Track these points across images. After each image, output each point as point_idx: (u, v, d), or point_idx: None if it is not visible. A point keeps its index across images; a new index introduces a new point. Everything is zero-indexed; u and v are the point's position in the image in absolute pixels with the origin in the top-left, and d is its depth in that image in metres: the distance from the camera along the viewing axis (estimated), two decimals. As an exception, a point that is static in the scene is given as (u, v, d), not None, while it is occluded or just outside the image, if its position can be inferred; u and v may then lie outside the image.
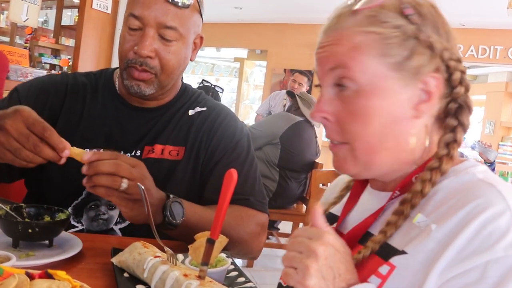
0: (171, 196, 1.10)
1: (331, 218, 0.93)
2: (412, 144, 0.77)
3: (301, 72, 5.64)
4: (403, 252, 0.71)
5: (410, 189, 0.76)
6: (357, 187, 0.91)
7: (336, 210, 0.95)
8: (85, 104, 1.35)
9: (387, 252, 0.73)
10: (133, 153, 1.29)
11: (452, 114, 0.77)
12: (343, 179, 1.01)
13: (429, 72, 0.75)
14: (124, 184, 0.98)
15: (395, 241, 0.74)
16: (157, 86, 1.27)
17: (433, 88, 0.75)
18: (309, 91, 5.84)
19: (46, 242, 1.06)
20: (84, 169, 0.98)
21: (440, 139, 0.77)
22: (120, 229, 1.28)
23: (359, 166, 0.79)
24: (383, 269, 0.71)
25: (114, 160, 0.98)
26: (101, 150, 1.28)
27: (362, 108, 0.75)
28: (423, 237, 0.70)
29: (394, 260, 0.71)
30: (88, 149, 1.17)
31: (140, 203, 1.02)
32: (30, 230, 1.00)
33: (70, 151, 0.99)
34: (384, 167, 0.78)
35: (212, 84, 4.25)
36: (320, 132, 5.09)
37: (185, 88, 1.44)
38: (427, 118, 0.77)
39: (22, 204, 1.12)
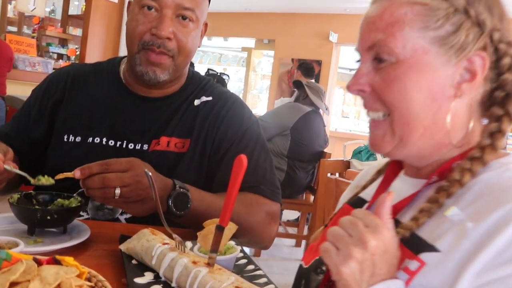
0: (177, 186, 1.09)
1: (359, 203, 0.90)
2: (449, 125, 0.73)
3: None
4: (434, 249, 0.67)
5: (448, 175, 0.71)
6: (390, 173, 0.87)
7: (366, 195, 0.91)
8: (89, 93, 1.34)
9: (416, 244, 0.69)
10: (139, 147, 1.28)
11: (498, 103, 0.72)
12: (375, 165, 0.97)
13: (475, 50, 0.70)
14: (117, 191, 0.99)
15: (425, 233, 0.70)
16: (172, 71, 1.27)
17: (478, 67, 0.71)
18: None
19: (55, 229, 1.06)
20: (80, 183, 1.02)
21: (484, 128, 0.73)
22: (125, 219, 1.27)
23: (394, 141, 0.75)
24: (412, 264, 0.68)
25: (102, 174, 1.00)
26: (104, 139, 1.28)
27: (400, 79, 0.72)
28: (457, 235, 0.66)
29: (425, 256, 0.67)
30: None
31: (141, 201, 1.03)
32: (48, 217, 1.00)
33: (61, 175, 1.03)
34: (418, 145, 0.75)
35: (217, 72, 4.23)
36: (328, 121, 5.07)
37: (192, 76, 1.41)
38: (470, 100, 0.73)
39: (32, 192, 1.12)
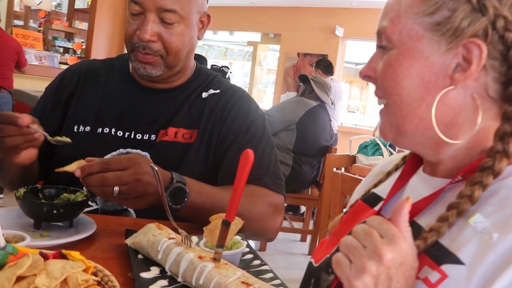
0: (175, 180, 1.09)
1: (374, 199, 0.86)
2: (449, 117, 0.68)
3: None
4: (458, 261, 0.61)
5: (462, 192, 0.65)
6: (408, 168, 0.82)
7: (381, 191, 0.87)
8: (99, 87, 1.38)
9: (438, 253, 0.64)
10: (147, 137, 1.30)
11: (510, 100, 0.64)
12: (393, 160, 0.93)
13: (471, 37, 0.65)
14: (116, 189, 1.01)
15: (445, 239, 0.64)
16: (164, 67, 1.29)
17: (474, 57, 0.65)
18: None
19: (61, 223, 1.06)
20: (81, 180, 1.03)
21: (496, 129, 0.65)
22: (134, 210, 1.28)
23: (393, 130, 0.74)
24: (433, 276, 0.62)
25: (101, 174, 1.01)
26: (113, 130, 1.31)
27: (392, 66, 0.71)
28: (481, 246, 0.60)
29: (447, 268, 0.62)
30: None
31: (140, 197, 1.05)
32: (55, 211, 1.00)
33: (67, 167, 1.04)
34: (418, 136, 0.71)
35: (219, 66, 4.25)
36: (336, 116, 5.04)
37: (200, 70, 1.44)
38: (470, 92, 0.67)
39: (38, 186, 1.12)
